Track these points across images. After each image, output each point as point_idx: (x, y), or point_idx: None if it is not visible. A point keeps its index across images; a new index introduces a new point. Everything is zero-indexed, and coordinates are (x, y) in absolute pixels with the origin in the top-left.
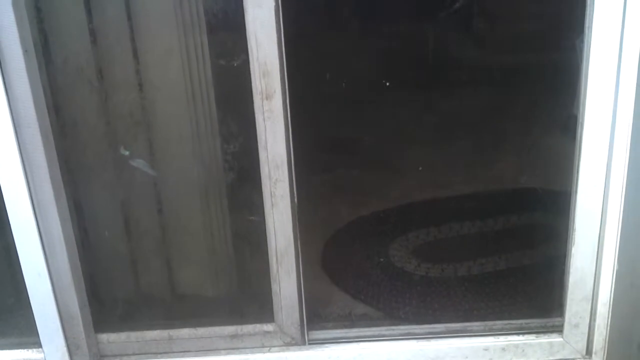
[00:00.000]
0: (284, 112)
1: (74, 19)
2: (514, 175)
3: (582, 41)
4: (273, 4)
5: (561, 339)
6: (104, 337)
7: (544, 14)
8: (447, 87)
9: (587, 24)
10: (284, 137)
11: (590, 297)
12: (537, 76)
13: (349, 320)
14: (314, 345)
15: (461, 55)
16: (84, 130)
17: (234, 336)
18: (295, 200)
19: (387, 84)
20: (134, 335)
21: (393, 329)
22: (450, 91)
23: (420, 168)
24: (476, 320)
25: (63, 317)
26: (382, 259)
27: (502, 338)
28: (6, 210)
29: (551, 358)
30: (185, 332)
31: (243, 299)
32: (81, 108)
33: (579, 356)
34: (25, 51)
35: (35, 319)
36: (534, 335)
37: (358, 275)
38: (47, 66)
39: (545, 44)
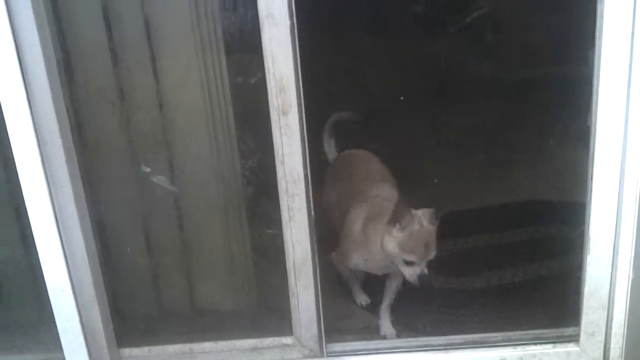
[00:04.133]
0: (300, 127)
1: (95, 41)
2: (530, 187)
3: (594, 52)
4: (289, 22)
5: (578, 348)
6: (126, 351)
7: (555, 25)
8: (461, 100)
9: (597, 34)
10: (301, 151)
11: (606, 305)
12: (549, 88)
13: (367, 332)
14: (333, 358)
15: (474, 69)
16: (105, 148)
17: (253, 349)
18: (313, 213)
19: (402, 98)
20: (156, 349)
21: (411, 341)
22: (464, 104)
23: (435, 180)
24: (494, 331)
25: (86, 332)
26: None
27: (519, 348)
28: (31, 227)
29: None
30: (206, 345)
31: (262, 312)
32: (103, 127)
33: None
34: (49, 72)
35: (59, 334)
36: (551, 344)
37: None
38: (69, 86)
39: (557, 56)
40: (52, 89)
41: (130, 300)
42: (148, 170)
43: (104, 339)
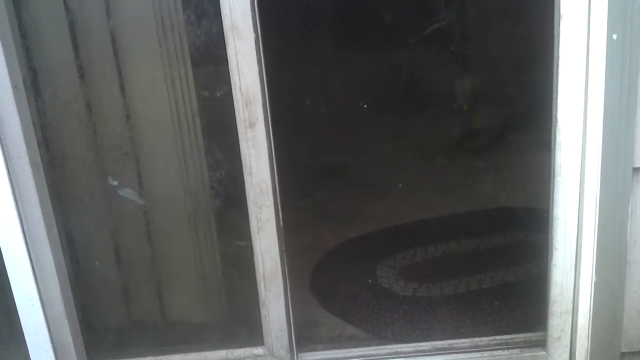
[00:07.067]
0: (267, 138)
1: (61, 56)
2: (496, 195)
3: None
4: (253, 35)
5: (544, 352)
6: None
7: (515, 35)
8: (426, 110)
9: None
10: (268, 163)
11: (571, 310)
12: (514, 97)
13: (338, 341)
14: None
15: (438, 79)
16: (73, 162)
17: None
18: (281, 223)
19: (365, 105)
20: None
21: (380, 349)
22: (429, 114)
23: (400, 185)
24: (462, 337)
25: (56, 346)
26: (369, 281)
27: (487, 354)
28: None
29: None
30: (176, 358)
31: (233, 323)
32: (70, 141)
33: None
34: (15, 87)
35: (29, 349)
36: (519, 349)
37: (346, 297)
38: (36, 101)
39: (520, 66)
40: (18, 104)
41: (100, 314)
42: (115, 183)
43: (74, 352)
